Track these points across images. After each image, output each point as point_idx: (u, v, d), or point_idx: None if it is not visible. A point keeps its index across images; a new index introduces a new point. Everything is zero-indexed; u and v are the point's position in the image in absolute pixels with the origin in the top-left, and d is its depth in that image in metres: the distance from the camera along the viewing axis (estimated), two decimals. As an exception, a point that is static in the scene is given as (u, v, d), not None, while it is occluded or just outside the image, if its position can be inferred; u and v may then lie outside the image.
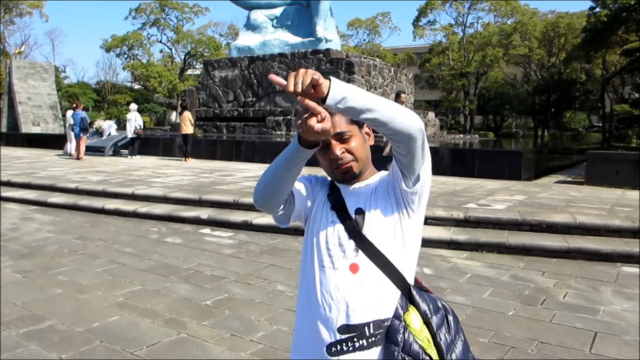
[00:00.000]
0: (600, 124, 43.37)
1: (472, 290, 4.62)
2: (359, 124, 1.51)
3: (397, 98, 10.69)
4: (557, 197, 8.50)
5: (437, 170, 11.53)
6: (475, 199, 8.03)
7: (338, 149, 1.46)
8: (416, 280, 1.53)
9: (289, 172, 1.44)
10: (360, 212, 1.48)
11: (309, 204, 1.59)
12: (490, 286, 4.75)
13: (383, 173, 1.59)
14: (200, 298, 4.35)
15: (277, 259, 5.59)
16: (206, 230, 7.08)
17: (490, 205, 7.47)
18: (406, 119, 1.29)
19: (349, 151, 1.47)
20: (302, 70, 1.21)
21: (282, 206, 1.54)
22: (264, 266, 5.36)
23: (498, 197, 8.39)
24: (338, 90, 1.21)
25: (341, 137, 1.47)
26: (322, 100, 1.21)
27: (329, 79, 1.21)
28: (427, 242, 5.92)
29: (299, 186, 1.59)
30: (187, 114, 15.39)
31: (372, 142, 1.57)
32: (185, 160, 15.09)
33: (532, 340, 3.53)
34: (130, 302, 4.24)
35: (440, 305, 1.44)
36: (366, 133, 1.54)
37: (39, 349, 3.32)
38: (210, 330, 3.68)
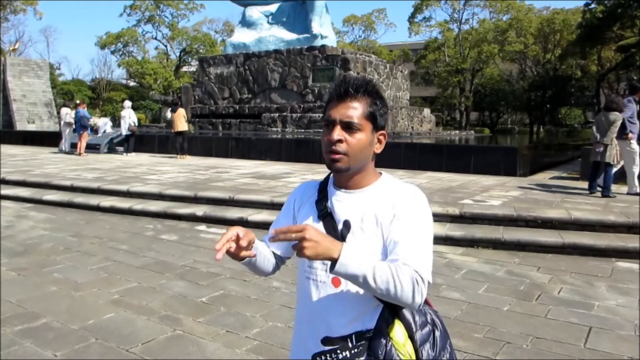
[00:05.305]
0: (596, 120, 43.41)
1: (468, 286, 4.64)
2: (377, 127, 1.41)
3: (636, 92, 8.51)
4: (552, 193, 8.52)
5: (433, 166, 11.67)
6: (471, 195, 8.05)
7: (337, 133, 1.36)
8: None
9: (256, 268, 1.53)
10: (347, 224, 1.40)
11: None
12: (486, 282, 4.76)
13: (391, 181, 1.45)
14: (195, 295, 4.34)
15: (273, 255, 5.58)
16: (202, 227, 7.07)
17: (485, 201, 7.48)
18: (400, 299, 1.25)
19: (347, 143, 1.36)
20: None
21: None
22: (260, 263, 5.34)
23: (494, 193, 8.40)
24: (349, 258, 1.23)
25: (347, 126, 1.36)
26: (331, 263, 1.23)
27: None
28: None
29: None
30: (182, 111, 15.40)
31: (378, 151, 1.44)
32: (179, 157, 15.05)
33: (527, 336, 3.54)
34: (125, 299, 4.23)
35: (429, 319, 1.40)
36: (378, 140, 1.43)
37: (34, 347, 3.31)
38: (205, 327, 3.68)
